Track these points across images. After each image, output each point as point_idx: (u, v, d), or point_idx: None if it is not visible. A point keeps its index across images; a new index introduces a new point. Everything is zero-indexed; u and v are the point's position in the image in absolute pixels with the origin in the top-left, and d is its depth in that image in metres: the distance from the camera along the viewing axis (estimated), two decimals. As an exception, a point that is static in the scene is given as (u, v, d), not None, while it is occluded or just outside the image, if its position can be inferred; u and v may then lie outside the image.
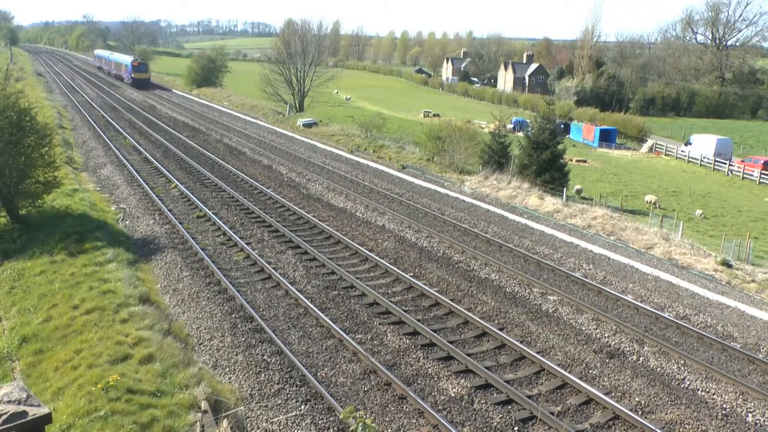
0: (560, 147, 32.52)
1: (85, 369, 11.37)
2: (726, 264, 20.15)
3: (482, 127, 54.23)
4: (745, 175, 48.47)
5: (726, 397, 12.27)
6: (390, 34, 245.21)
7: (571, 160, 43.25)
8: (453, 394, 11.92)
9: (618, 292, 17.34)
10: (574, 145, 60.68)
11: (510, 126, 63.41)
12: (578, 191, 33.05)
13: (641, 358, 13.67)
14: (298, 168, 32.10)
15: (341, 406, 11.12)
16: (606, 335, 14.66)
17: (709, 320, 15.86)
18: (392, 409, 11.40)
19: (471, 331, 14.63)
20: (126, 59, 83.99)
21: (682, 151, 57.39)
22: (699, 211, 32.05)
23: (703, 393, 12.43)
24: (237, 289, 16.19)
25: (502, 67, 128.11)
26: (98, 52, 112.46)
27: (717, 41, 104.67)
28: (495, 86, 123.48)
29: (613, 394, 12.24)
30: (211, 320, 14.65)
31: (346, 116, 60.34)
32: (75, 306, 14.31)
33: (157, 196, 25.03)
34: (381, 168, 33.80)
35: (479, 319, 14.93)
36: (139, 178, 28.21)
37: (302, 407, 11.29)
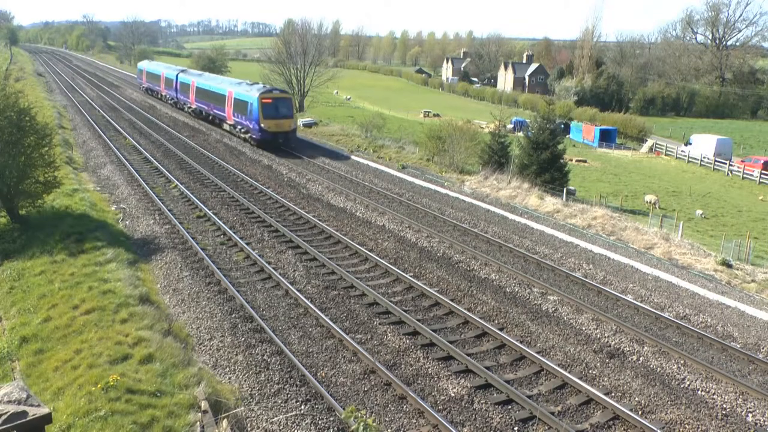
0: (560, 147, 32.50)
1: (85, 369, 11.37)
2: (726, 264, 20.14)
3: (482, 127, 54.21)
4: (745, 175, 48.46)
5: (726, 397, 12.27)
6: (390, 34, 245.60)
7: (571, 160, 43.27)
8: (453, 394, 11.92)
9: (618, 292, 17.34)
10: (574, 145, 60.69)
11: (510, 126, 63.43)
12: (570, 192, 30.30)
13: (641, 358, 13.66)
14: (297, 168, 32.08)
15: (341, 406, 11.13)
16: (606, 335, 14.66)
17: (709, 320, 15.86)
18: (392, 409, 11.40)
19: (471, 331, 14.63)
20: (239, 89, 39.25)
21: (682, 151, 57.38)
22: (699, 211, 32.04)
23: (703, 393, 12.43)
24: (237, 289, 16.19)
25: (502, 67, 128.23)
26: (149, 65, 67.39)
27: (717, 41, 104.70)
28: (495, 86, 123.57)
29: (613, 394, 12.24)
30: (211, 320, 14.64)
31: (346, 116, 60.32)
32: (75, 306, 14.30)
33: (157, 196, 25.03)
34: (381, 168, 33.79)
35: (479, 319, 14.93)
36: (139, 178, 28.20)
37: (302, 407, 11.29)
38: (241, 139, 39.33)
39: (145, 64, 68.91)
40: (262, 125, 35.82)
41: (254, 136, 37.01)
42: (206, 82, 45.98)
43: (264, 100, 35.91)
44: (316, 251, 19.20)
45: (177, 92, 52.36)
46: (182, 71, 54.03)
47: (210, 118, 45.38)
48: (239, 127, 39.13)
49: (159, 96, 60.31)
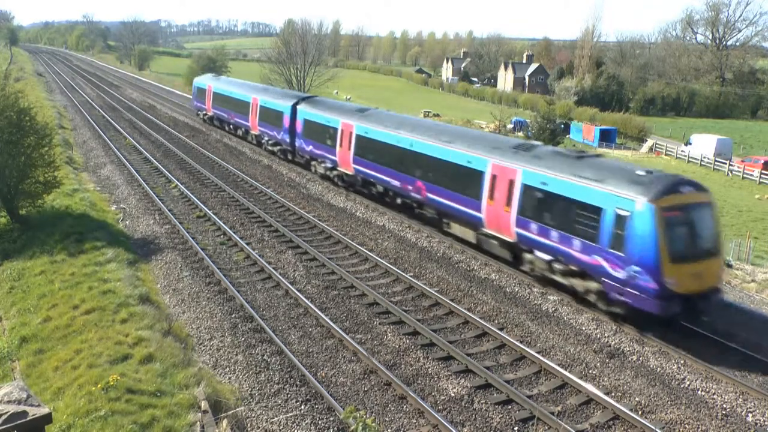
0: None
1: (85, 369, 11.38)
2: (726, 264, 20.13)
3: (482, 127, 54.25)
4: (745, 175, 48.45)
5: (726, 397, 12.27)
6: (390, 34, 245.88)
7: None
8: (453, 394, 11.92)
9: (618, 292, 17.28)
10: (574, 145, 60.66)
11: (510, 126, 63.46)
12: None
13: (641, 358, 13.66)
14: (297, 168, 32.05)
15: (341, 406, 11.13)
16: (606, 335, 14.65)
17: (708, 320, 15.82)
18: (392, 408, 11.40)
19: (471, 331, 14.63)
20: (546, 167, 16.46)
21: (682, 151, 57.38)
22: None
23: (703, 393, 12.42)
24: (237, 289, 16.19)
25: (502, 67, 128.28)
26: (217, 84, 42.84)
27: (717, 41, 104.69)
28: (495, 86, 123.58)
29: (613, 394, 12.24)
30: (211, 320, 14.65)
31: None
32: (75, 306, 14.31)
33: (157, 196, 25.03)
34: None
35: (479, 319, 14.93)
36: (139, 178, 28.21)
37: (302, 407, 11.30)
38: (552, 293, 16.93)
39: (207, 80, 44.38)
40: (665, 279, 13.86)
41: (633, 303, 14.41)
42: (406, 136, 22.11)
43: (668, 212, 14.09)
44: (316, 251, 19.19)
45: (298, 138, 30.17)
46: (305, 99, 30.87)
47: (399, 200, 23.19)
48: (546, 256, 16.69)
49: (242, 134, 38.30)
